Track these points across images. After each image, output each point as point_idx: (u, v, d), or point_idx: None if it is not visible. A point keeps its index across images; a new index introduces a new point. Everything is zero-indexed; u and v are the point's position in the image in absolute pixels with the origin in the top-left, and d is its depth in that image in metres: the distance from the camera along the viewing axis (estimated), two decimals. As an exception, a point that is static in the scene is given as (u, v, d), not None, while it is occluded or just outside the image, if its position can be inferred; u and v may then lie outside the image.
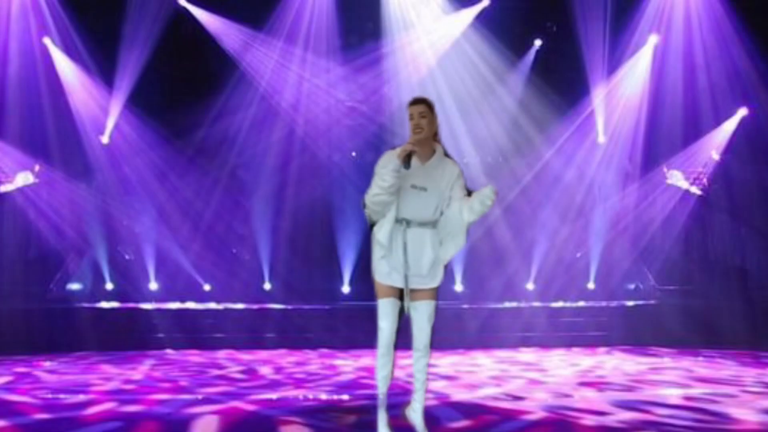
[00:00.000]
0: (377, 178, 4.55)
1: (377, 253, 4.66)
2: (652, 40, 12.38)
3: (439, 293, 4.79)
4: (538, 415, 5.47)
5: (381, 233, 4.62)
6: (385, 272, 4.64)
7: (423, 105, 4.73)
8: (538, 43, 13.03)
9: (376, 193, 4.53)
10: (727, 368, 8.21)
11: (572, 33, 12.33)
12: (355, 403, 5.96)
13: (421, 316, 4.70)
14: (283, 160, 12.72)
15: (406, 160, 4.49)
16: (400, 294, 4.65)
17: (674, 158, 12.62)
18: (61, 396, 6.29)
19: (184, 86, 12.50)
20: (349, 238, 12.25)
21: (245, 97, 12.51)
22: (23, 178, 11.88)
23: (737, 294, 11.68)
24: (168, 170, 12.53)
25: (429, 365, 4.76)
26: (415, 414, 4.66)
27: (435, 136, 4.79)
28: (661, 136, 12.52)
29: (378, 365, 4.64)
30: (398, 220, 4.62)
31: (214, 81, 12.44)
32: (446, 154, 4.79)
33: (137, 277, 12.37)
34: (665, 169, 12.71)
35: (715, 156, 12.52)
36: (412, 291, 4.66)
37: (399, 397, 6.26)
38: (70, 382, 7.16)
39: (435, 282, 4.72)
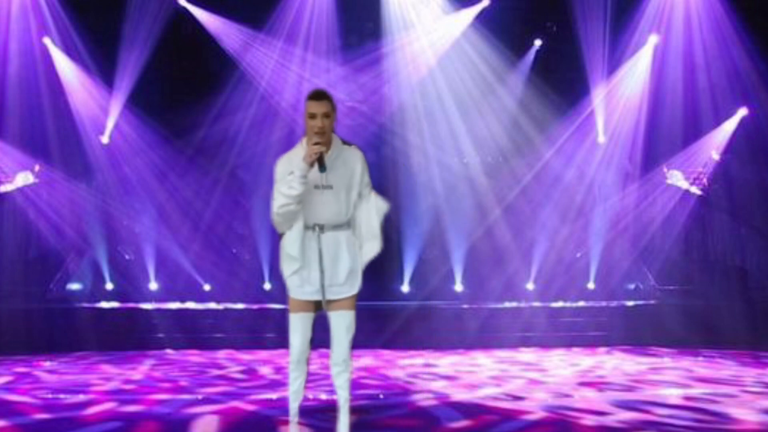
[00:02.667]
0: (282, 186, 4.20)
1: (288, 268, 4.38)
2: (652, 40, 12.37)
3: (357, 300, 4.49)
4: (538, 415, 5.47)
5: (291, 246, 4.31)
6: (296, 286, 4.39)
7: (326, 102, 4.26)
8: (538, 43, 13.02)
9: (284, 203, 4.20)
10: (727, 368, 8.21)
11: (572, 33, 12.32)
12: (355, 403, 5.95)
13: (339, 328, 4.42)
14: (283, 161, 12.71)
15: (320, 163, 4.19)
16: (315, 306, 4.43)
17: (674, 158, 12.62)
18: (61, 396, 6.29)
19: (184, 86, 12.50)
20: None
21: (245, 97, 12.50)
22: (23, 178, 11.88)
23: (737, 294, 11.67)
24: (168, 170, 12.53)
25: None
26: None
27: (332, 129, 4.36)
28: (661, 136, 12.51)
29: (289, 379, 4.56)
30: (309, 227, 4.31)
31: (214, 81, 12.43)
32: (344, 142, 4.40)
33: (137, 277, 12.37)
34: (665, 169, 12.71)
35: (715, 156, 12.51)
36: (329, 301, 4.39)
37: (399, 397, 6.27)
38: (70, 382, 7.16)
39: (353, 290, 4.39)
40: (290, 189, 4.17)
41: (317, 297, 4.36)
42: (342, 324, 4.41)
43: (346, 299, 4.39)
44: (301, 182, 4.16)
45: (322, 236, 4.30)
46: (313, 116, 4.24)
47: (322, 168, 4.19)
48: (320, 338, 11.36)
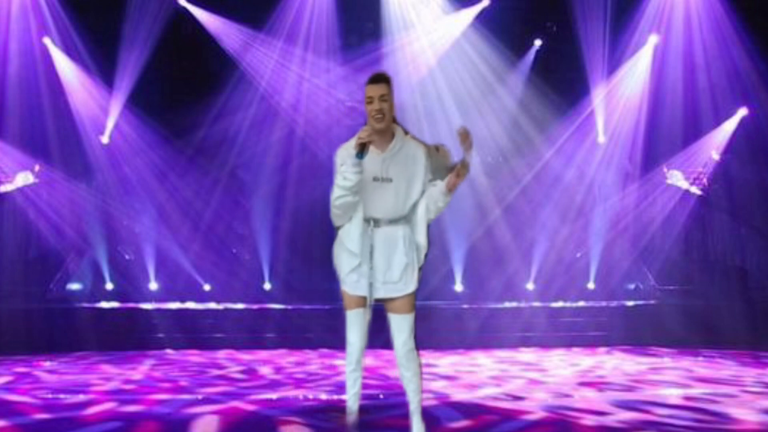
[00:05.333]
0: (338, 177, 4.07)
1: (347, 264, 4.20)
2: (652, 40, 12.38)
3: (416, 299, 4.26)
4: (538, 415, 5.47)
5: (350, 241, 4.16)
6: (353, 281, 4.18)
7: (384, 85, 4.12)
8: (538, 43, 13.03)
9: (339, 195, 4.06)
10: (727, 368, 8.21)
11: (572, 33, 12.33)
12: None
13: (400, 332, 4.16)
14: (283, 160, 12.72)
15: (361, 149, 3.98)
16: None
17: (674, 158, 12.62)
18: (61, 396, 6.29)
19: (184, 86, 12.50)
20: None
21: (245, 97, 12.51)
22: (23, 178, 11.88)
23: (737, 294, 11.67)
24: (168, 170, 12.53)
25: (423, 373, 4.28)
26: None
27: (394, 119, 4.25)
28: (661, 136, 12.52)
29: (348, 381, 4.29)
30: (365, 220, 4.15)
31: (214, 81, 12.44)
32: (407, 134, 4.28)
33: (137, 277, 12.37)
34: (665, 169, 12.71)
35: (715, 156, 12.52)
36: (387, 300, 4.18)
37: (399, 397, 6.25)
38: (70, 382, 7.16)
39: (409, 288, 4.16)
40: (344, 180, 4.02)
41: (367, 293, 4.18)
42: (401, 328, 4.16)
43: (402, 299, 4.16)
44: (354, 172, 3.99)
45: (376, 231, 4.14)
46: (369, 101, 4.12)
47: (360, 155, 3.98)
48: (320, 338, 11.36)
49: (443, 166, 4.23)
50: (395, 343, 4.20)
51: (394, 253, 4.15)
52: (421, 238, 4.22)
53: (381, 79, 4.16)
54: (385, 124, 4.13)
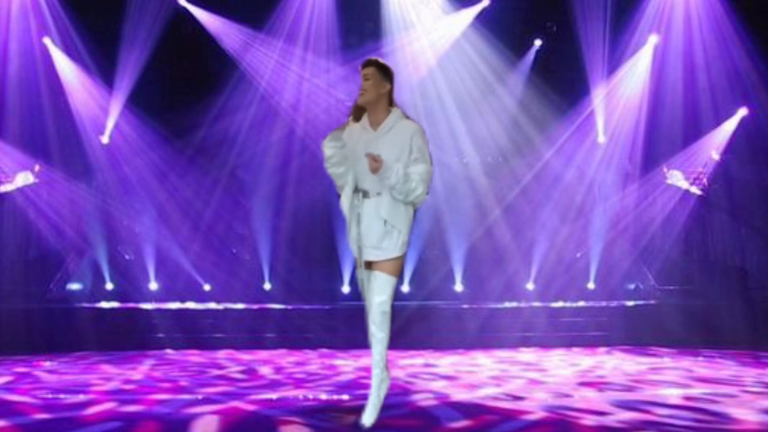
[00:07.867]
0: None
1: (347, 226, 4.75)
2: (652, 40, 12.38)
3: (401, 267, 4.77)
4: (538, 415, 5.46)
5: (343, 206, 4.72)
6: (351, 243, 4.71)
7: (370, 67, 4.72)
8: (538, 43, 13.03)
9: (326, 166, 4.67)
10: (727, 368, 8.21)
11: (572, 33, 12.33)
12: (355, 403, 5.95)
13: (378, 293, 4.62)
14: (283, 160, 12.72)
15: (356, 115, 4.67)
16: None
17: (674, 158, 12.63)
18: (61, 396, 6.29)
19: (184, 86, 12.51)
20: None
21: (245, 97, 12.51)
22: (23, 178, 11.89)
23: (737, 294, 11.67)
24: (168, 170, 12.54)
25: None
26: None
27: (391, 102, 4.75)
28: (661, 136, 12.52)
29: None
30: (357, 191, 4.67)
31: (214, 81, 12.44)
32: (407, 117, 4.73)
33: (137, 277, 12.37)
34: (665, 169, 12.72)
35: (715, 156, 12.52)
36: (373, 262, 4.66)
37: (399, 397, 6.26)
38: (70, 382, 7.16)
39: (388, 253, 4.61)
40: (324, 154, 4.63)
41: (357, 255, 4.66)
42: (373, 284, 4.63)
43: (384, 261, 4.61)
44: (327, 146, 4.60)
45: (364, 201, 4.62)
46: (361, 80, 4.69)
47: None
48: (320, 338, 11.37)
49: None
50: (372, 302, 4.62)
51: (375, 222, 4.59)
52: (382, 211, 4.60)
53: (368, 63, 4.76)
54: (365, 99, 4.64)
